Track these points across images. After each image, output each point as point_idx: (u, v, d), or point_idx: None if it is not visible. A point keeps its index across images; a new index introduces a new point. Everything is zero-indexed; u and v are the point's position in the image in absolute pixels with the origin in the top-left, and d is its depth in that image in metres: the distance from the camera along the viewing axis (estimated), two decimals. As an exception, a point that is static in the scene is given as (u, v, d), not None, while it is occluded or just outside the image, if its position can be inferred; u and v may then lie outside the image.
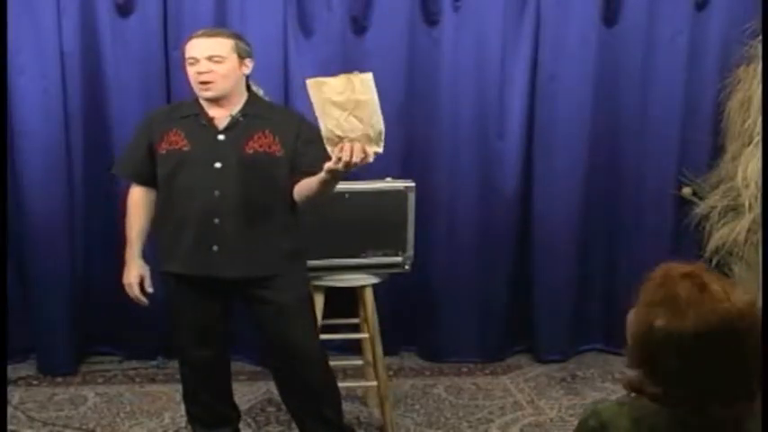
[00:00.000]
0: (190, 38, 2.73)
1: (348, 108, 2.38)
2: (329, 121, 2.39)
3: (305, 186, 2.68)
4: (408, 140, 3.84)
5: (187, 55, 2.68)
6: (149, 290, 2.88)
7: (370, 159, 2.41)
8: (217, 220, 2.71)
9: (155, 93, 3.70)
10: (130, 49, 3.69)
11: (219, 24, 3.58)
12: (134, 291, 2.86)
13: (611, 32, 3.90)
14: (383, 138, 2.43)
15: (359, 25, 3.79)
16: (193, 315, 2.84)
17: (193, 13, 3.66)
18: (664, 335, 1.46)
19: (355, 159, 2.34)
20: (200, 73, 2.65)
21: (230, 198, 2.70)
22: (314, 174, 2.60)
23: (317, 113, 2.43)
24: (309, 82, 2.43)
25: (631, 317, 1.54)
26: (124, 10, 3.66)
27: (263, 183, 2.72)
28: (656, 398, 1.51)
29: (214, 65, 2.65)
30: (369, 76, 2.41)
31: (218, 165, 2.70)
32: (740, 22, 3.81)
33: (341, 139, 2.38)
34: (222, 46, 2.67)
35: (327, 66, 3.74)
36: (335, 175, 2.48)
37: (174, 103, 3.00)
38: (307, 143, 2.72)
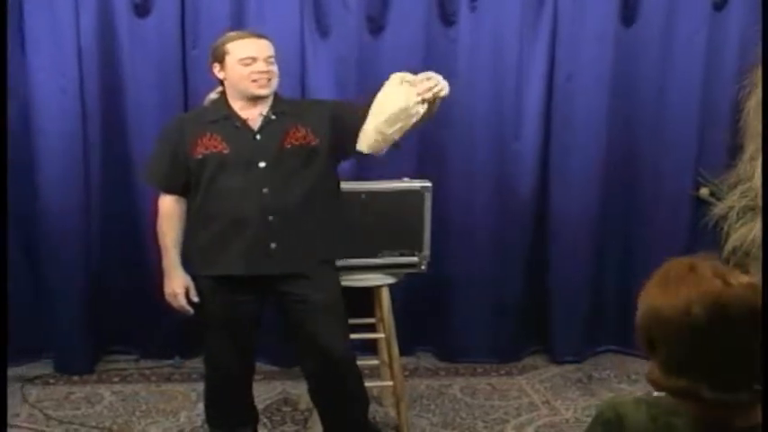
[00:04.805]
0: (231, 39, 2.78)
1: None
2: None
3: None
4: (425, 140, 3.82)
5: (243, 54, 2.73)
6: (195, 299, 2.85)
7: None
8: (272, 218, 2.74)
9: (172, 93, 3.71)
10: (148, 49, 3.69)
11: (236, 24, 3.59)
12: (180, 301, 2.82)
13: (629, 32, 3.88)
14: None
15: (375, 25, 3.79)
16: (231, 317, 2.84)
17: (210, 13, 3.67)
18: (654, 314, 1.47)
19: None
20: (261, 72, 2.73)
21: (281, 194, 2.74)
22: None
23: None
24: None
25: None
26: (142, 10, 3.67)
27: (307, 174, 2.78)
28: (669, 390, 1.50)
29: (270, 65, 2.77)
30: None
31: (262, 164, 2.74)
32: (758, 22, 3.78)
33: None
34: (272, 48, 2.80)
35: (344, 65, 3.75)
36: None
37: (197, 108, 3.01)
38: (341, 107, 2.92)
